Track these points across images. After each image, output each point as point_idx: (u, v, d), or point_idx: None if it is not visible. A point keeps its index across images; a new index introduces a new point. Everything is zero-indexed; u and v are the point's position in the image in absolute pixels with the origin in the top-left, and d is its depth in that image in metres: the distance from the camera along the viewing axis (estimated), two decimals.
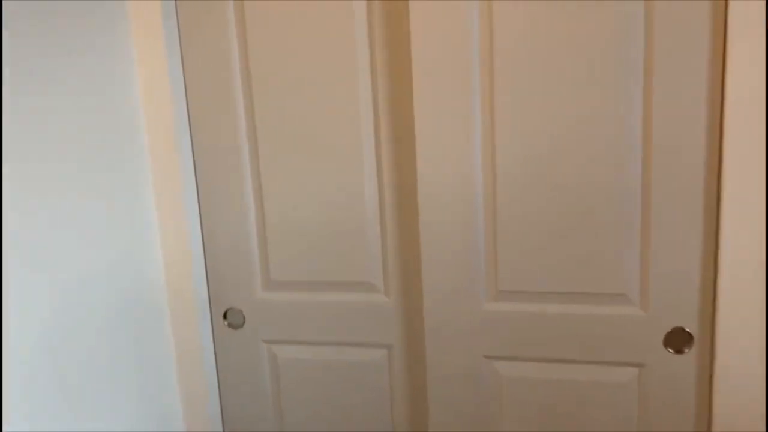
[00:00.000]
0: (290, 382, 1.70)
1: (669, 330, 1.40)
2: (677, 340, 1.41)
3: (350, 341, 1.63)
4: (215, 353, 1.73)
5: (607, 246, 1.40)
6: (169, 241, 1.60)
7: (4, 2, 1.16)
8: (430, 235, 1.48)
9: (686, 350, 1.41)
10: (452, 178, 1.44)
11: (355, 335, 1.62)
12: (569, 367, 1.48)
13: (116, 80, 1.47)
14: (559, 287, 1.45)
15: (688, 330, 1.40)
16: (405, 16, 1.43)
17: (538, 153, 1.39)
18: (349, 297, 1.60)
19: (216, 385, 1.74)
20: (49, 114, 1.29)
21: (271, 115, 1.54)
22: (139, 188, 1.54)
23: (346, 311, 1.62)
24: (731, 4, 1.23)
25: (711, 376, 1.40)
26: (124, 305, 1.49)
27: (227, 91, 1.56)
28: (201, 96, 1.58)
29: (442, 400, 1.56)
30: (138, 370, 1.55)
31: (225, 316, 1.70)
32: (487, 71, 1.39)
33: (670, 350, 1.42)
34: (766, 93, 1.10)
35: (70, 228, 1.35)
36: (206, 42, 1.54)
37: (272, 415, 1.73)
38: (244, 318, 1.68)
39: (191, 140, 1.61)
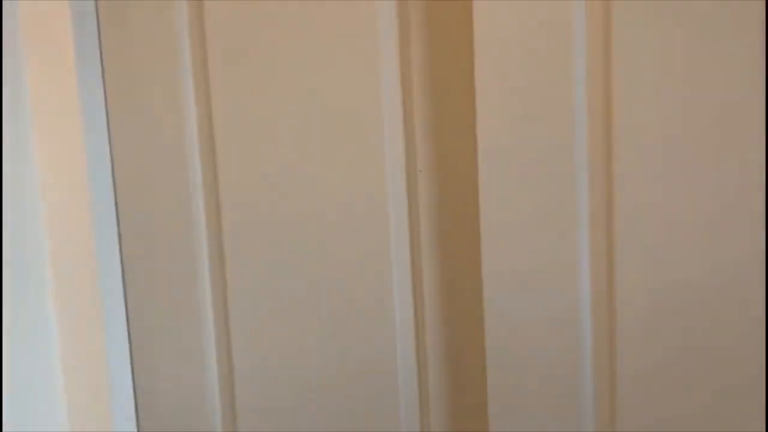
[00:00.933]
0: None
1: None
2: None
3: None
4: None
5: None
6: (81, 407, 1.07)
7: None
8: (502, 406, 1.00)
9: None
10: (542, 311, 0.97)
11: None
12: None
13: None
14: None
15: None
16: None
17: (683, 279, 0.92)
18: None
19: None
20: None
21: (246, 202, 1.07)
22: (36, 327, 1.05)
23: None
24: None
25: None
26: None
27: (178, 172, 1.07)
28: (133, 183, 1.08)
29: None
30: None
31: None
32: (602, 146, 0.92)
33: None
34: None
35: None
36: (146, 118, 1.07)
37: None
38: None
39: (120, 252, 1.08)
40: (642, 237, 0.93)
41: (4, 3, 0.92)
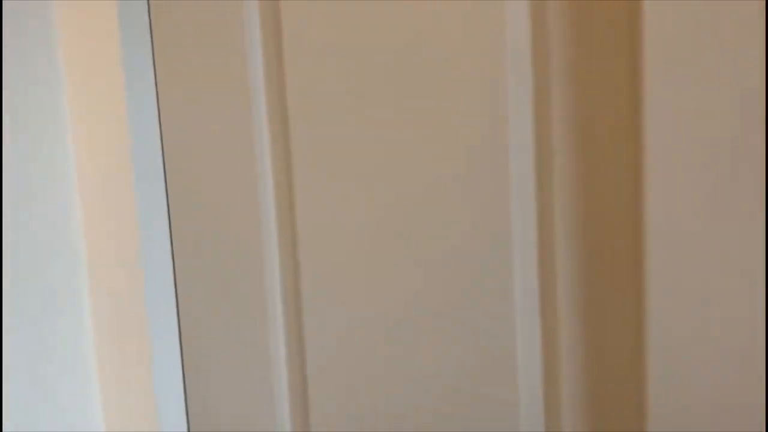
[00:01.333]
0: None
1: None
2: None
3: None
4: None
5: None
6: None
7: None
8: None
9: None
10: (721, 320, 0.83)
11: None
12: None
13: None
14: None
15: None
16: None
17: None
18: None
19: None
20: None
21: (326, 196, 0.92)
22: (70, 346, 0.94)
23: None
24: None
25: None
26: None
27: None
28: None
29: None
30: None
31: None
32: None
33: None
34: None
35: None
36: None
37: None
38: None
39: (173, 262, 0.90)
40: None
41: None
